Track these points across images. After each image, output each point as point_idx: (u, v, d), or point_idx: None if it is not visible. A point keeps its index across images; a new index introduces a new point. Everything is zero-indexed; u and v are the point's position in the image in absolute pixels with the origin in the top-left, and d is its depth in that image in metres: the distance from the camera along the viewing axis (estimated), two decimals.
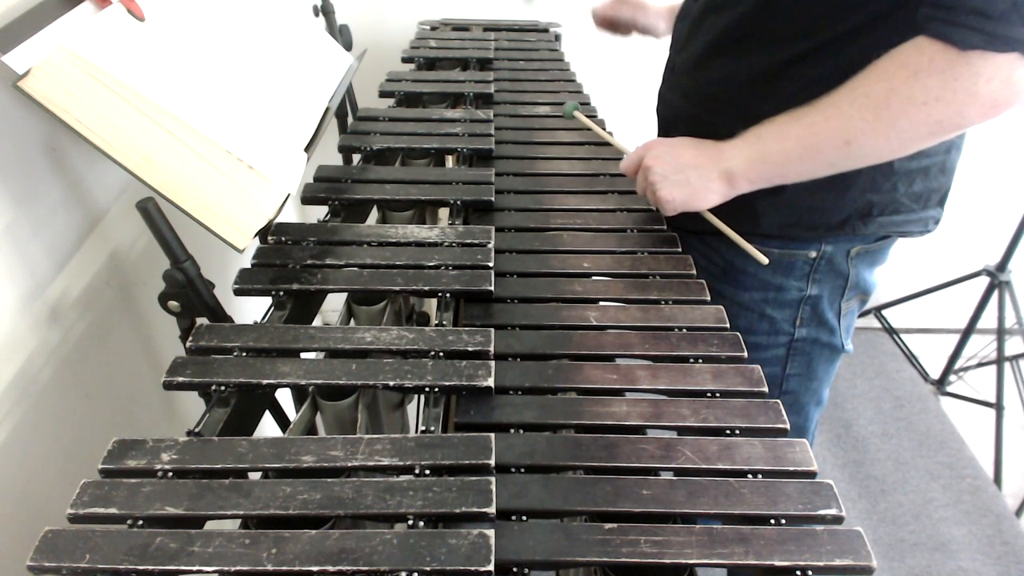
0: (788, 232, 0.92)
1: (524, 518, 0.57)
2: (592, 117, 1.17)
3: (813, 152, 0.76)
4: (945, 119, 0.70)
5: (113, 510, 0.55)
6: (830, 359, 1.03)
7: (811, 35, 0.81)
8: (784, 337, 1.00)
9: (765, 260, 0.87)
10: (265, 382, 0.67)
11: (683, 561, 0.54)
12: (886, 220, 0.91)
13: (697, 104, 0.95)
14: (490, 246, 0.86)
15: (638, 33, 1.30)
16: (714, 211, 0.88)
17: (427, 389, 0.67)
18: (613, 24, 1.30)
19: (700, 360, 0.73)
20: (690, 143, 0.86)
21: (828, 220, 0.91)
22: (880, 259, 0.99)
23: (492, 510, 0.55)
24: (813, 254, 0.94)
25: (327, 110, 1.03)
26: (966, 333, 2.13)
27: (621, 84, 1.88)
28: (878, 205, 0.90)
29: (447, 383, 0.67)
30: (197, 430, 0.65)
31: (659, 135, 1.06)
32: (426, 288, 0.80)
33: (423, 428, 0.66)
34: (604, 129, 1.08)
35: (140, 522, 0.54)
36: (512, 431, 0.65)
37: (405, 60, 1.47)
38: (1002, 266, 1.99)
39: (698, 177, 0.83)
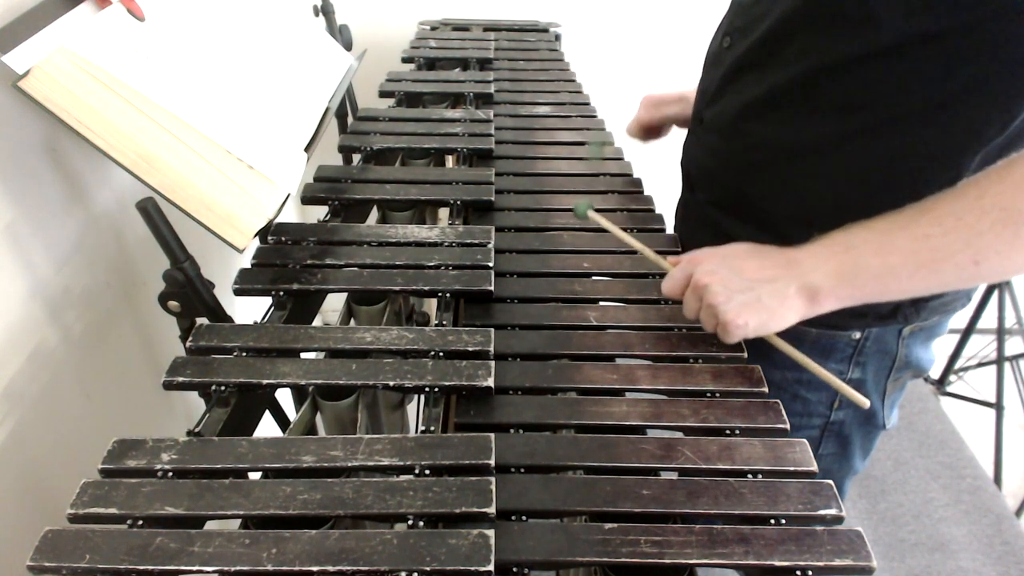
0: (830, 320, 0.78)
1: (524, 518, 0.57)
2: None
3: (929, 270, 0.62)
4: None
5: (113, 510, 0.55)
6: (869, 436, 0.92)
7: (874, 107, 0.70)
8: (819, 419, 0.89)
9: (866, 403, 0.70)
10: (265, 382, 0.67)
11: (683, 561, 0.54)
12: (938, 303, 0.81)
13: (729, 169, 0.84)
14: (490, 246, 0.86)
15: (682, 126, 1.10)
16: None
17: (427, 389, 0.67)
18: (656, 130, 1.10)
19: (700, 360, 0.73)
20: (749, 252, 0.70)
21: (877, 309, 0.80)
22: (937, 333, 0.87)
23: (492, 510, 0.55)
24: (857, 335, 0.82)
25: (327, 110, 1.03)
26: (966, 333, 2.13)
27: (621, 84, 1.88)
28: None
29: (447, 383, 0.67)
30: (197, 430, 0.65)
31: (683, 192, 0.97)
32: (426, 288, 0.80)
33: (423, 428, 0.66)
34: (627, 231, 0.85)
35: (140, 522, 0.54)
36: (512, 431, 0.65)
37: (405, 60, 1.47)
38: None
39: (771, 294, 0.66)
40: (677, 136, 1.00)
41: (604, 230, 0.83)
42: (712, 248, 0.72)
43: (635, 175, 1.07)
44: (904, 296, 0.68)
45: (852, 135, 0.72)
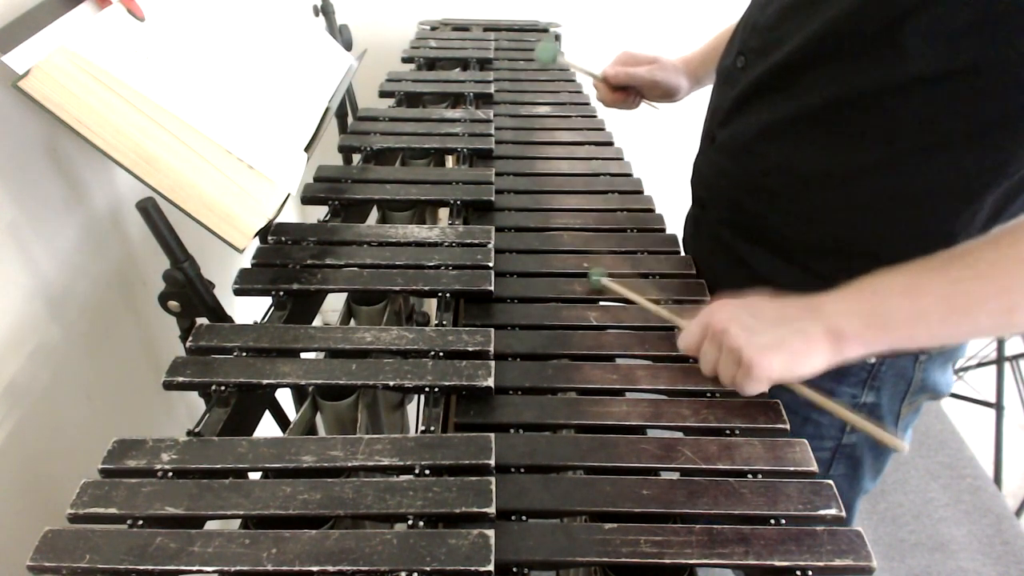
0: None
1: (524, 518, 0.57)
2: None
3: (961, 316, 0.59)
4: None
5: (113, 510, 0.55)
6: (880, 457, 0.90)
7: (896, 139, 0.68)
8: (831, 442, 0.87)
9: (905, 448, 0.66)
10: (265, 382, 0.67)
11: (683, 561, 0.54)
12: None
13: (741, 191, 0.82)
14: (490, 246, 0.86)
15: (655, 99, 1.10)
16: None
17: (427, 389, 0.67)
18: (625, 90, 1.09)
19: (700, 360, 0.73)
20: (767, 300, 0.66)
21: None
22: (956, 356, 0.84)
23: (492, 510, 0.55)
24: (872, 360, 0.79)
25: (327, 110, 1.03)
26: None
27: None
28: None
29: (447, 383, 0.67)
30: (197, 430, 0.65)
31: (693, 208, 0.95)
32: (426, 288, 0.80)
33: (423, 428, 0.66)
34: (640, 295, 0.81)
35: (140, 522, 0.54)
36: (512, 431, 0.65)
37: (405, 60, 1.47)
38: None
39: (794, 334, 0.61)
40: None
41: (626, 301, 0.80)
42: (726, 300, 0.68)
43: (636, 177, 1.06)
44: (934, 343, 0.65)
45: (871, 166, 0.70)
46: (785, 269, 0.79)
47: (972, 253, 0.60)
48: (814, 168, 0.74)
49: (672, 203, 1.04)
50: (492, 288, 0.80)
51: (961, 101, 0.64)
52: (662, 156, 1.10)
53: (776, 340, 0.62)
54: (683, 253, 0.90)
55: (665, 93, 1.08)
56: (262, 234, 0.85)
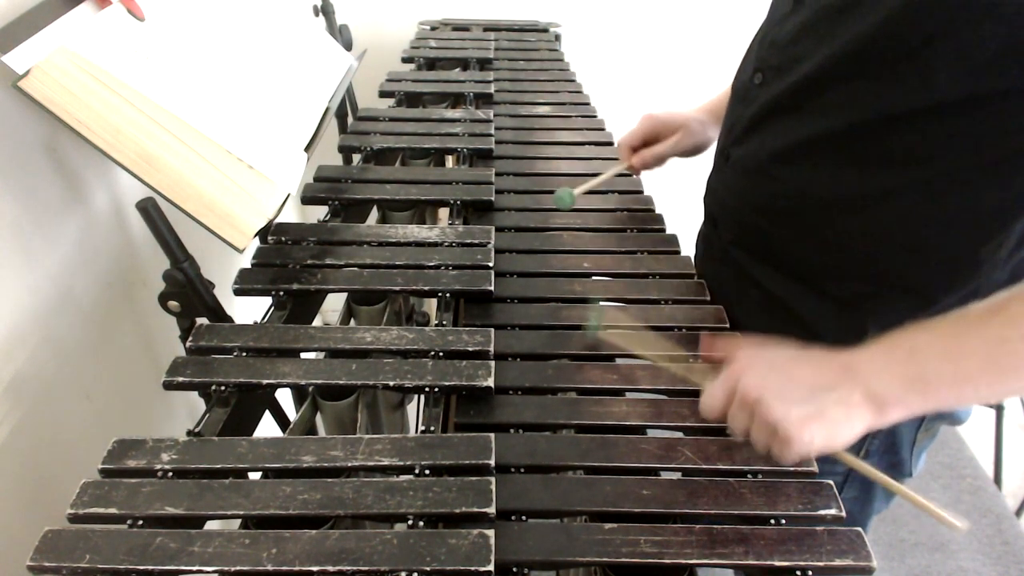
0: None
1: (524, 518, 0.57)
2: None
3: (1012, 377, 0.55)
4: None
5: (113, 510, 0.55)
6: (894, 480, 0.89)
7: (918, 165, 0.65)
8: (842, 467, 0.82)
9: (962, 528, 0.60)
10: (265, 382, 0.67)
11: (683, 561, 0.54)
12: None
13: (756, 212, 0.79)
14: (490, 246, 0.86)
15: (683, 156, 1.02)
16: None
17: (427, 389, 0.67)
18: (654, 162, 1.01)
19: (699, 359, 0.73)
20: (798, 357, 0.60)
21: None
22: None
23: (492, 510, 0.55)
24: None
25: (327, 110, 1.03)
26: None
27: (622, 84, 1.88)
28: None
29: (447, 383, 0.67)
30: (197, 430, 0.65)
31: (705, 226, 0.92)
32: (426, 288, 0.80)
33: (423, 428, 0.66)
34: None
35: (140, 522, 0.54)
36: (512, 431, 0.65)
37: (405, 60, 1.47)
38: None
39: (834, 403, 0.56)
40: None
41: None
42: (750, 350, 0.62)
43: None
44: (981, 402, 0.62)
45: (891, 192, 0.68)
46: (801, 293, 0.77)
47: (1010, 308, 0.55)
48: (831, 191, 0.72)
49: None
50: (492, 288, 0.80)
51: (985, 128, 0.62)
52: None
53: (815, 410, 0.56)
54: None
55: (694, 151, 1.02)
56: (262, 234, 0.85)
